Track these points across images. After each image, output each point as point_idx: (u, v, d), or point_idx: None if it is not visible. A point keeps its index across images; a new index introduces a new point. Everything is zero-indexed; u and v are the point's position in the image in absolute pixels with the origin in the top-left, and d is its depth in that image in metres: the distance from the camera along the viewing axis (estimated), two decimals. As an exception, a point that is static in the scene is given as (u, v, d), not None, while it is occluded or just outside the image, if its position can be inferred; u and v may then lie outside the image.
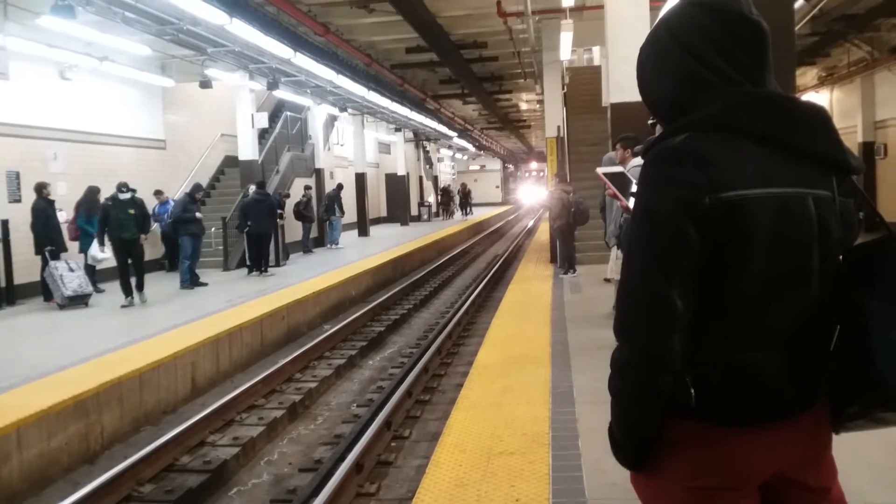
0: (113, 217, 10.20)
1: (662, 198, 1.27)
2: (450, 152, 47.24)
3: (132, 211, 10.32)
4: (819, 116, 1.33)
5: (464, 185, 40.86)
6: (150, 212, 12.98)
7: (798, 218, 1.28)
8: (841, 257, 1.36)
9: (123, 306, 10.17)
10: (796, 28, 10.59)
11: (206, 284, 12.24)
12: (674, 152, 1.29)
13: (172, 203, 13.58)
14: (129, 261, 10.44)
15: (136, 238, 10.40)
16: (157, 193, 14.03)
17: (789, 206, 1.27)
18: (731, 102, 1.30)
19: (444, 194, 38.97)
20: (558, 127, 16.10)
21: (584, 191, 11.91)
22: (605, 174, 4.59)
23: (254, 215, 13.53)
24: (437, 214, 35.75)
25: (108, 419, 6.22)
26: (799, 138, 1.29)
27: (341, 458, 5.31)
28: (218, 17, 9.81)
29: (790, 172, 1.28)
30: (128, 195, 10.33)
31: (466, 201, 38.49)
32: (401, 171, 30.83)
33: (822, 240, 1.30)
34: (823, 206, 1.30)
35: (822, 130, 1.32)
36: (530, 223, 34.48)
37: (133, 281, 10.42)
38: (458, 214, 37.95)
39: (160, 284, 12.84)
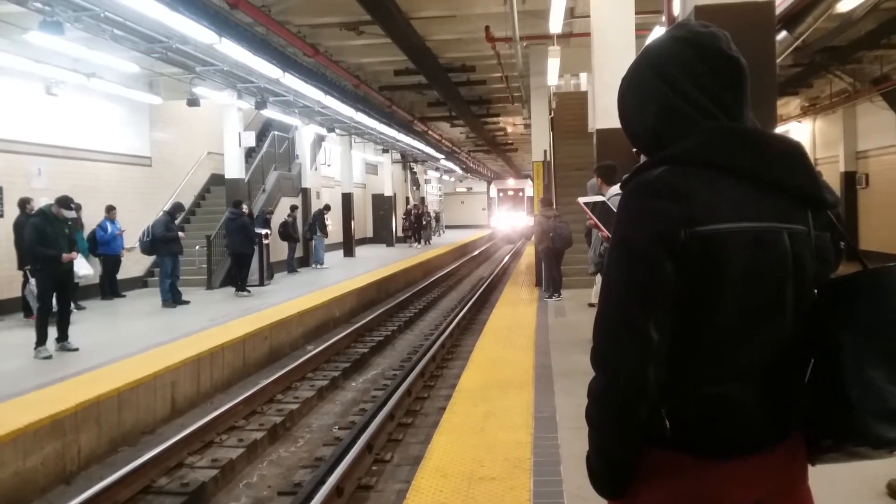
0: (51, 236, 8.07)
1: (639, 230, 1.28)
2: (437, 174, 47.37)
3: (67, 231, 8.35)
4: (795, 152, 1.35)
5: (416, 207, 31.64)
6: (102, 231, 12.73)
7: (773, 252, 1.29)
8: (816, 291, 1.38)
9: (46, 357, 7.91)
10: (780, 59, 10.76)
11: (188, 302, 12.16)
12: (651, 185, 1.30)
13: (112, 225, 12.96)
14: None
15: (70, 266, 8.42)
16: (110, 209, 12.83)
17: (764, 241, 1.28)
18: (708, 137, 1.32)
19: (407, 217, 30.81)
20: (545, 151, 16.21)
21: (569, 215, 11.98)
22: (587, 204, 4.60)
23: (229, 234, 13.66)
24: (414, 238, 30.04)
25: (86, 439, 6.13)
26: (775, 173, 1.31)
27: (321, 482, 5.25)
28: (207, 37, 9.83)
29: (765, 207, 1.30)
30: (73, 214, 8.54)
31: (420, 226, 30.48)
32: (388, 192, 30.88)
33: (797, 274, 1.31)
34: (798, 240, 1.32)
35: (798, 166, 1.34)
36: (507, 258, 27.31)
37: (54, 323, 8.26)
38: (423, 240, 30.58)
39: (142, 301, 12.76)
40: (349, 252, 23.86)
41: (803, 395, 1.36)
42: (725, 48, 1.35)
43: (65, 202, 8.41)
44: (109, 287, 13.20)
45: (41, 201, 11.12)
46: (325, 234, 19.89)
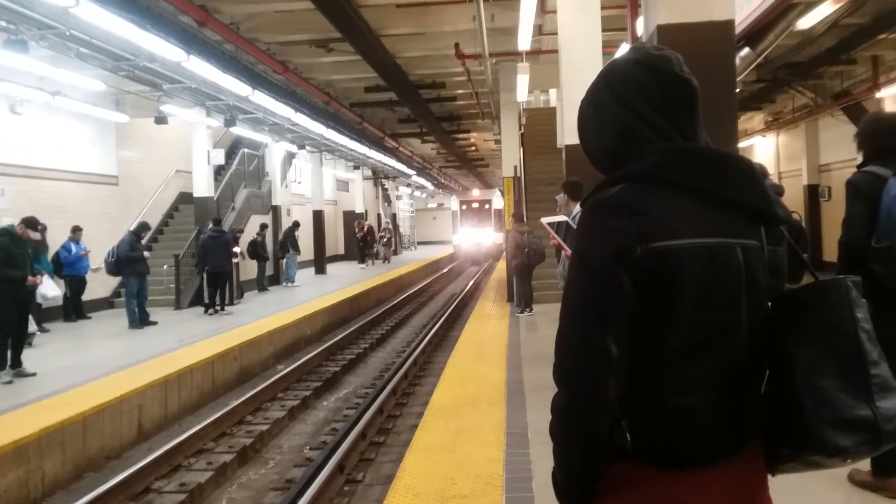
0: (17, 257, 7.81)
1: (597, 247, 1.30)
2: (408, 190, 47.42)
3: (30, 252, 8.14)
4: (747, 169, 1.39)
5: (360, 224, 27.98)
6: (66, 251, 12.47)
7: (727, 267, 1.32)
8: (770, 304, 1.40)
9: (7, 382, 7.71)
10: (743, 75, 10.97)
11: (155, 323, 11.99)
12: (608, 203, 1.33)
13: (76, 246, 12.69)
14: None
15: (31, 290, 8.25)
16: (75, 230, 12.63)
17: (718, 256, 1.31)
18: (664, 156, 1.35)
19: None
20: (515, 167, 16.31)
21: (538, 230, 12.03)
22: (549, 223, 4.62)
23: (210, 252, 13.46)
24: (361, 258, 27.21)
25: (50, 465, 5.99)
26: (728, 190, 1.34)
27: (292, 504, 5.19)
28: (175, 54, 9.76)
29: (719, 223, 1.33)
30: (38, 236, 8.35)
31: (366, 244, 27.45)
32: (359, 209, 30.82)
33: (750, 287, 1.34)
34: (751, 255, 1.35)
35: (750, 183, 1.37)
36: (476, 276, 25.50)
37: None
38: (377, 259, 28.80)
39: (109, 323, 12.55)
40: (320, 269, 23.73)
41: (759, 406, 1.38)
42: (678, 70, 1.39)
43: (31, 223, 8.20)
44: (74, 309, 12.95)
45: (4, 221, 10.87)
46: (298, 251, 19.78)
